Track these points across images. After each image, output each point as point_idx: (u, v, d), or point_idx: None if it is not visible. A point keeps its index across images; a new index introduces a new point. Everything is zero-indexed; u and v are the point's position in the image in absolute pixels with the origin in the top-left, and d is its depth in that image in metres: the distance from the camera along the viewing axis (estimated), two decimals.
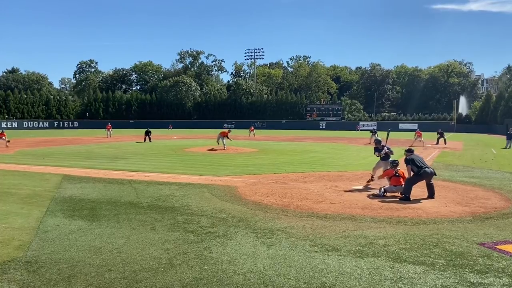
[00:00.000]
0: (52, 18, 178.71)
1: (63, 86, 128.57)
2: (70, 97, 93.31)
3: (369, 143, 31.02)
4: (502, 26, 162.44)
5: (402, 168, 10.86)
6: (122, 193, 10.82)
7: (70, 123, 79.79)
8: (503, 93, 68.34)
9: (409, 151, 10.77)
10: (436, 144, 32.82)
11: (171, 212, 8.63)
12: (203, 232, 7.15)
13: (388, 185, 10.72)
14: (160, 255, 5.93)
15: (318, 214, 8.56)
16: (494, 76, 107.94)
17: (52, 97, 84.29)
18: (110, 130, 43.49)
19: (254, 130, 49.55)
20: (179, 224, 7.66)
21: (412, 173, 10.25)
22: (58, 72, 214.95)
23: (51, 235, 6.89)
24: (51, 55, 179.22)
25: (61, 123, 78.69)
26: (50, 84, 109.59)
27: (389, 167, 11.29)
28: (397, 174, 10.70)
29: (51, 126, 75.86)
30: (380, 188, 10.79)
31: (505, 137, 33.89)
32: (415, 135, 33.29)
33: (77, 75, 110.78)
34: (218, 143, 26.91)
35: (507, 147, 30.36)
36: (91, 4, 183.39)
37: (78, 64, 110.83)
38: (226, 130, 27.94)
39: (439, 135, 33.92)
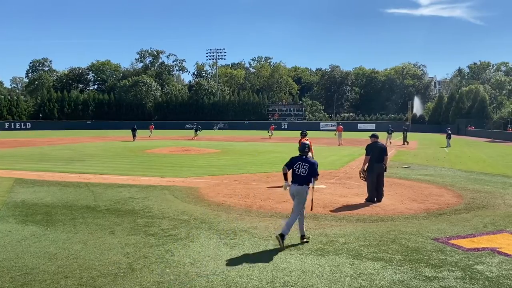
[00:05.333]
0: (2, 14, 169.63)
1: (14, 85, 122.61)
2: (22, 97, 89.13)
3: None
4: (452, 30, 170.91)
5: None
6: (78, 196, 10.43)
7: (22, 124, 75.93)
8: (454, 94, 72.13)
9: (374, 136, 10.27)
10: (403, 144, 32.76)
11: (131, 215, 8.41)
12: (164, 235, 7.02)
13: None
14: (119, 259, 5.77)
15: (281, 213, 8.64)
16: (446, 78, 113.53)
17: (2, 97, 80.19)
18: (152, 130, 44.73)
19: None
20: (140, 228, 7.48)
21: (366, 161, 9.95)
22: (9, 71, 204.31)
23: (2, 242, 6.55)
24: (0, 53, 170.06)
25: (12, 124, 74.79)
26: (1, 83, 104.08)
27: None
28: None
29: (1, 128, 71.70)
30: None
31: (445, 135, 35.34)
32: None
33: (30, 74, 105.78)
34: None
35: (448, 146, 31.86)
36: (45, 0, 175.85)
37: (30, 63, 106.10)
38: None
39: (390, 132, 33.56)
